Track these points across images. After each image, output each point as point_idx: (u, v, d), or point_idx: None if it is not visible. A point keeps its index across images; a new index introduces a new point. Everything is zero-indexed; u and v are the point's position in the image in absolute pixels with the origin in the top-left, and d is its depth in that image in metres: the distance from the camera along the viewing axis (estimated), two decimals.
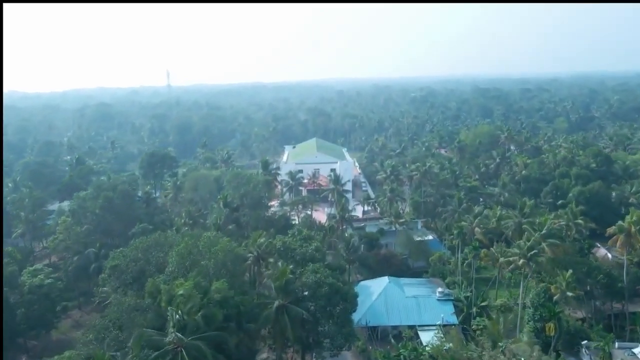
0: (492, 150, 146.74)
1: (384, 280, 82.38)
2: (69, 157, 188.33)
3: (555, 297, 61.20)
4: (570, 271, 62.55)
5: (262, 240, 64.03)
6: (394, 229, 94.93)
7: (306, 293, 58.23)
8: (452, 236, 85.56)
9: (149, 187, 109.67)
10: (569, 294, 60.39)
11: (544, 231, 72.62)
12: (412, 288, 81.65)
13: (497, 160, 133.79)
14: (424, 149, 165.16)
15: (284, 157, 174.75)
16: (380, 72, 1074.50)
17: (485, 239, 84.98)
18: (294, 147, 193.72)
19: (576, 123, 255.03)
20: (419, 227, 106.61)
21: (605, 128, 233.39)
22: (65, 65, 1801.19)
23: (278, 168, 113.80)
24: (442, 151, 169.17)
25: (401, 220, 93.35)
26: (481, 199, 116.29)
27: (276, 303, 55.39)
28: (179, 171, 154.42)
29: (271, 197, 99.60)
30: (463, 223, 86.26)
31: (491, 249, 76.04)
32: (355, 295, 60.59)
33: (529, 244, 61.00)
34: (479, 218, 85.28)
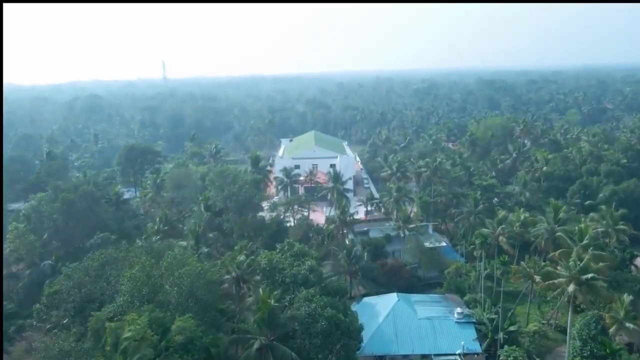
0: (508, 144, 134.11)
1: (392, 297, 69.93)
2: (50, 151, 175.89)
3: (610, 330, 48.71)
4: (630, 297, 49.98)
5: (242, 257, 51.34)
6: (402, 235, 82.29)
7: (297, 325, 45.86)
8: (472, 246, 72.93)
9: (119, 186, 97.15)
10: (629, 325, 47.85)
11: (585, 242, 60.19)
12: (426, 307, 69.20)
13: (514, 155, 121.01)
14: (431, 142, 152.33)
15: (280, 152, 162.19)
16: (378, 65, 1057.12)
17: (511, 249, 72.54)
18: (290, 141, 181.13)
19: (589, 115, 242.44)
20: (430, 231, 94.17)
21: (621, 120, 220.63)
22: (63, 58, 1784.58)
23: (270, 164, 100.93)
24: (450, 145, 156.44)
25: (411, 226, 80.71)
26: (496, 199, 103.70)
27: (257, 342, 43.00)
28: (166, 167, 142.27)
29: (262, 197, 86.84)
30: (485, 230, 73.69)
31: (522, 263, 63.38)
32: (360, 329, 48.21)
33: (580, 264, 48.25)
34: (503, 226, 72.46)
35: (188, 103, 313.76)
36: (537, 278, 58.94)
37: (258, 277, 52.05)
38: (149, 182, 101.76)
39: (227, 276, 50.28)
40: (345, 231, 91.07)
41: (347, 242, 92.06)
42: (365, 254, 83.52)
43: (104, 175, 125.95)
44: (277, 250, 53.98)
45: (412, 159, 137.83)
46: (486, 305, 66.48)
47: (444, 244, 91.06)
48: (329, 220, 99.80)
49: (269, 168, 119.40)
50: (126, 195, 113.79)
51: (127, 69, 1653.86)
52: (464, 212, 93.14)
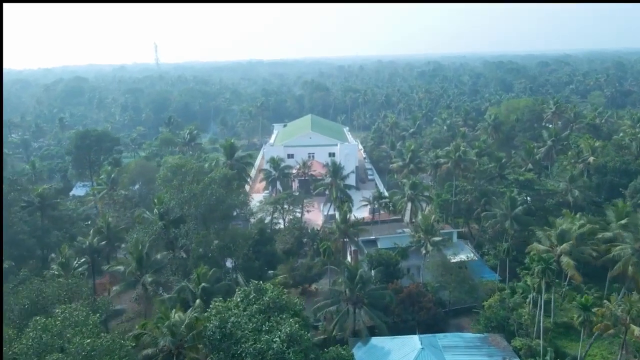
0: (541, 130, 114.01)
1: (413, 343, 50.13)
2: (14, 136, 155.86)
3: None
4: None
5: (177, 316, 31.26)
6: (424, 252, 62.03)
7: None
8: (526, 270, 52.83)
9: (52, 185, 77.01)
10: None
11: None
12: (461, 357, 49.58)
13: (549, 142, 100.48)
14: (445, 127, 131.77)
15: (272, 139, 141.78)
16: (379, 50, 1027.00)
17: (578, 275, 52.55)
18: (284, 126, 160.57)
19: (612, 98, 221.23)
20: (455, 239, 74.15)
21: None
22: (60, 43, 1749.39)
23: (249, 156, 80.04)
24: (464, 130, 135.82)
25: (436, 239, 60.47)
26: (527, 197, 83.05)
27: None
28: (141, 155, 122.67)
29: (236, 199, 66.14)
30: (539, 247, 53.61)
31: (607, 303, 43.27)
32: None
33: None
34: (571, 241, 52.15)
35: (177, 86, 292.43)
36: (637, 330, 39.02)
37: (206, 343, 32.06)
38: (102, 176, 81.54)
39: (149, 350, 30.34)
40: (345, 240, 71.12)
41: (349, 257, 72.34)
42: (373, 272, 63.95)
43: (59, 166, 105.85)
44: (240, 299, 33.52)
45: (424, 147, 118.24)
46: (548, 358, 46.78)
47: (475, 257, 71.20)
48: (325, 225, 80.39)
49: (259, 159, 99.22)
50: (80, 192, 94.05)
51: (124, 54, 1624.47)
52: (499, 216, 73.12)
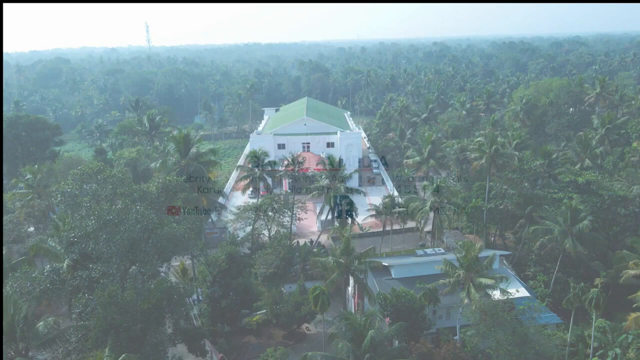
0: (577, 115, 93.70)
1: None
2: None
3: None
4: None
5: None
6: (466, 300, 41.84)
7: None
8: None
9: None
10: None
11: None
12: None
13: (601, 132, 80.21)
14: (464, 112, 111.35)
15: (260, 126, 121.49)
16: (379, 34, 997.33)
17: None
18: (276, 110, 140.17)
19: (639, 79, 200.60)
20: (496, 264, 54.14)
21: None
22: (53, 25, 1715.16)
23: (212, 152, 59.34)
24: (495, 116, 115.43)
25: (485, 281, 40.34)
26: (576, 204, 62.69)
27: None
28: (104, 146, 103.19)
29: (183, 228, 44.32)
30: None
31: None
32: None
33: None
34: None
35: (164, 68, 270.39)
36: None
37: None
38: (27, 176, 61.64)
39: None
40: (351, 272, 51.15)
41: (350, 290, 52.78)
42: (388, 323, 44.35)
43: None
44: None
45: (443, 136, 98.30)
46: None
47: (525, 292, 51.44)
48: (321, 231, 60.86)
49: (246, 150, 78.97)
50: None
51: (121, 37, 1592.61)
52: (557, 233, 53.59)
